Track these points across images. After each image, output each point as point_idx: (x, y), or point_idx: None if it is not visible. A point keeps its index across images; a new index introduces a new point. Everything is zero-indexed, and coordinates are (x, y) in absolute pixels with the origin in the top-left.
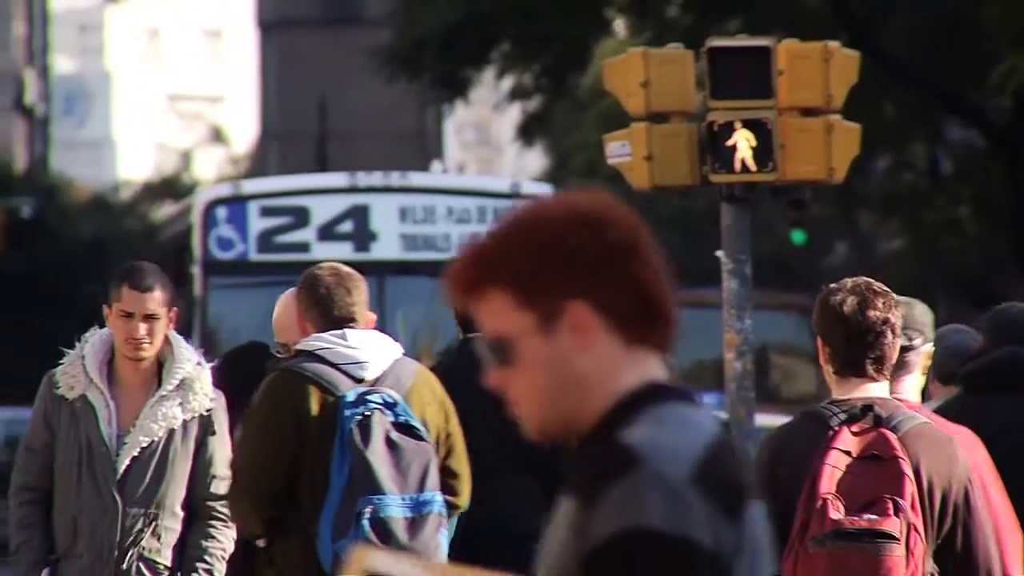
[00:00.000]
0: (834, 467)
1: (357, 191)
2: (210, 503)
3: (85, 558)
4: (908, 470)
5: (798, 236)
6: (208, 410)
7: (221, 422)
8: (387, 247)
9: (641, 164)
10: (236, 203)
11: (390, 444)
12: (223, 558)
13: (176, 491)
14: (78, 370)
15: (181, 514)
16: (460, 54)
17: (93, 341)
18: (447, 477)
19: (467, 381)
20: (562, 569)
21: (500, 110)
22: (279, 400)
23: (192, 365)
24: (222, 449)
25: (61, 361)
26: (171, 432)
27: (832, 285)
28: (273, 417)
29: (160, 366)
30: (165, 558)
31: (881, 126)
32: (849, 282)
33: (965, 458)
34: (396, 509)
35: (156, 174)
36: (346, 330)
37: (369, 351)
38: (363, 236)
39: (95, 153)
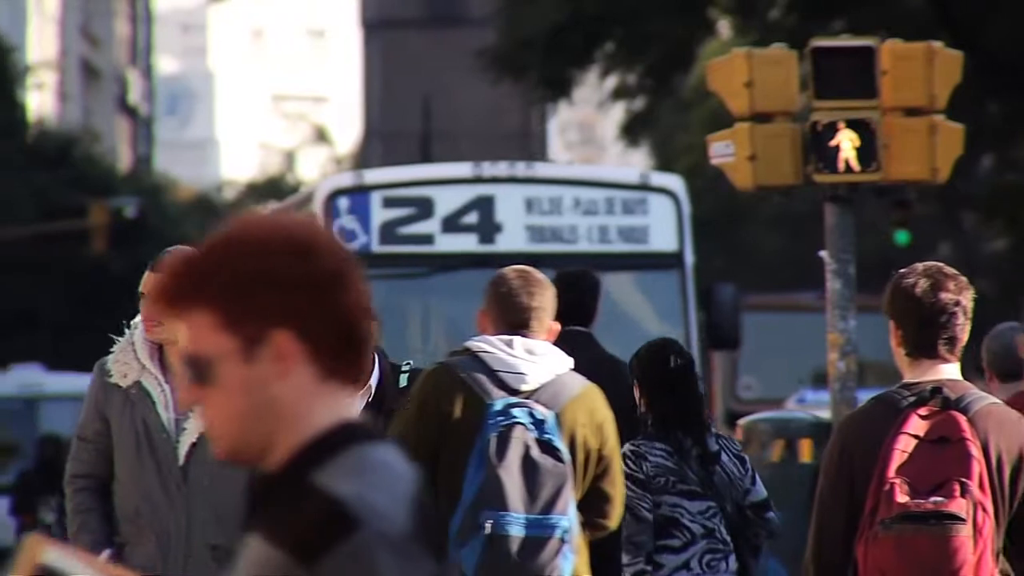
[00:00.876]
0: (903, 451)
1: (482, 181)
2: None
3: (151, 545)
4: (976, 451)
5: (902, 236)
6: None
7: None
8: (512, 239)
9: (744, 164)
10: (358, 193)
11: (526, 461)
12: None
13: (240, 474)
14: (129, 357)
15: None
16: (565, 54)
17: (142, 327)
18: (597, 499)
19: None
20: None
21: (603, 110)
22: (427, 395)
23: None
24: None
25: (111, 350)
26: None
27: (903, 269)
28: (419, 411)
29: None
30: (231, 542)
31: (984, 126)
32: (920, 266)
33: None
34: (516, 527)
35: (260, 174)
36: (516, 337)
37: (531, 362)
38: (488, 227)
39: (198, 153)
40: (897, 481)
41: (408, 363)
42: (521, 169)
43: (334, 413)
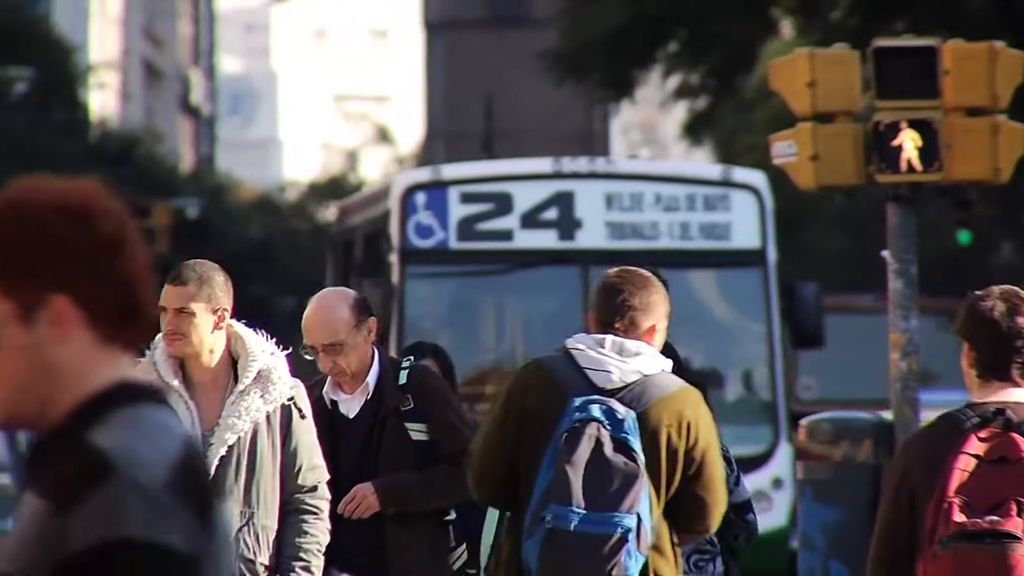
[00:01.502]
0: (963, 470)
1: (562, 177)
2: (299, 495)
3: None
4: None
5: (964, 236)
6: (289, 399)
7: (305, 410)
8: (592, 235)
9: (807, 164)
10: (436, 188)
11: (597, 457)
12: (319, 552)
13: (269, 486)
14: (151, 375)
15: (276, 511)
16: (627, 55)
17: (162, 346)
18: (688, 503)
19: None
20: (29, 572)
21: (666, 109)
22: (515, 389)
23: (267, 356)
24: (307, 438)
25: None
26: (256, 426)
27: (979, 292)
28: (505, 405)
29: (234, 362)
30: (264, 557)
31: None
32: (997, 289)
33: None
34: (576, 522)
35: (322, 174)
36: (609, 336)
37: (620, 361)
38: (568, 224)
39: (261, 153)
40: (955, 500)
41: (409, 359)
42: (601, 164)
43: (113, 375)
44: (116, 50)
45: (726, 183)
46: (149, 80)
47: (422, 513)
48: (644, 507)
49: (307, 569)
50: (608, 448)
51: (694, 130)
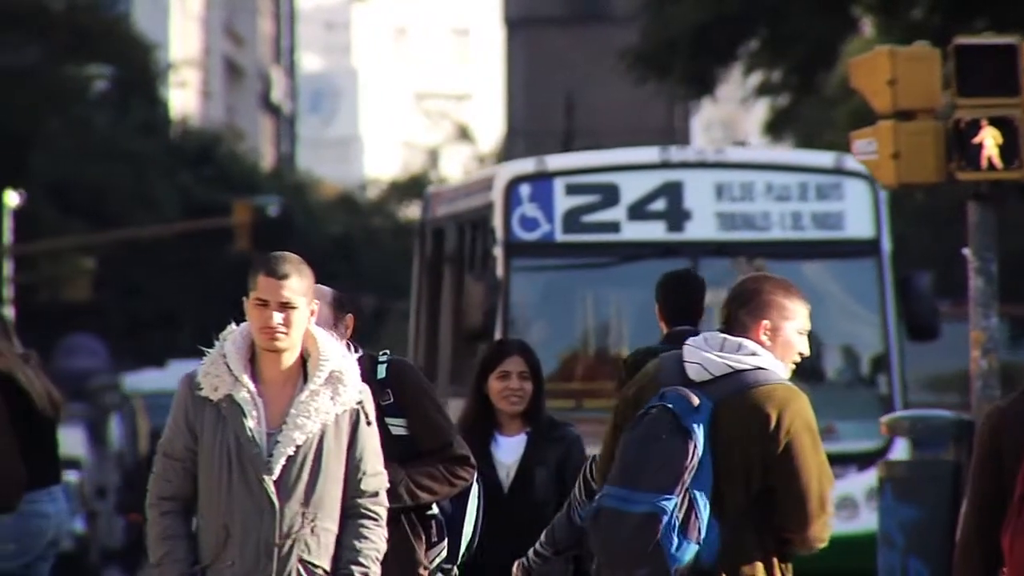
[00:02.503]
0: None
1: (670, 166)
2: (361, 500)
3: (237, 565)
4: None
5: None
6: (358, 403)
7: (370, 415)
8: (702, 226)
9: (887, 161)
10: (540, 180)
11: (650, 440)
12: (377, 559)
13: (333, 490)
14: (221, 369)
15: (338, 515)
16: (708, 53)
17: (233, 338)
18: (777, 503)
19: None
20: None
21: (747, 106)
22: (627, 384)
23: (339, 357)
24: (372, 443)
25: (185, 360)
26: (324, 428)
27: None
28: (622, 400)
29: (304, 361)
30: (324, 562)
31: None
32: None
33: None
34: (612, 501)
35: (403, 172)
36: (720, 333)
37: (716, 355)
38: (676, 215)
39: (342, 151)
40: None
41: (385, 353)
42: (710, 154)
43: None
44: (196, 48)
45: (839, 171)
46: (230, 78)
47: (397, 509)
48: (698, 494)
49: (365, 575)
50: (665, 433)
51: (775, 127)
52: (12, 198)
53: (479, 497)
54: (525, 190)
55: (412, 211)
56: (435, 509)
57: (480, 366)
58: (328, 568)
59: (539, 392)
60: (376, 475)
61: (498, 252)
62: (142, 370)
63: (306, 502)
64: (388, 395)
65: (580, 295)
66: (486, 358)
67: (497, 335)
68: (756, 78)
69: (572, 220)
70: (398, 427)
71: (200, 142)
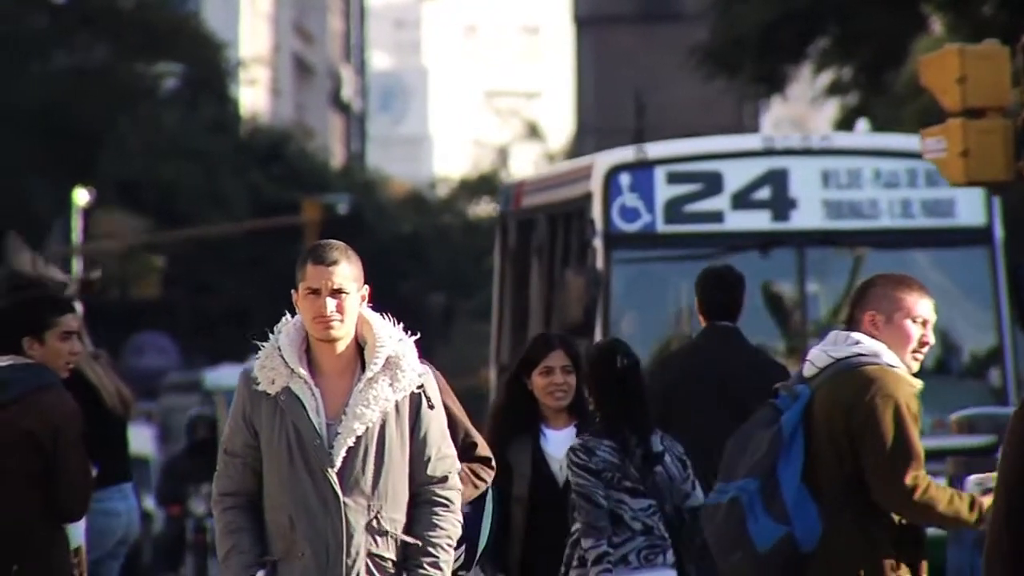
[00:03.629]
0: None
1: (774, 153)
2: (429, 487)
3: (307, 557)
4: None
5: None
6: (419, 387)
7: (434, 398)
8: (808, 215)
9: (956, 159)
10: (641, 169)
11: (750, 434)
12: (449, 546)
13: (398, 478)
14: (276, 362)
15: (405, 504)
16: (778, 51)
17: (286, 330)
18: (866, 483)
19: (703, 367)
20: None
21: (816, 105)
22: None
23: (395, 342)
24: (437, 427)
25: (256, 356)
26: (384, 415)
27: None
28: None
29: (360, 348)
30: (392, 552)
31: None
32: None
33: None
34: (711, 496)
35: (472, 170)
36: (842, 330)
37: (823, 350)
38: (781, 203)
39: (411, 149)
40: None
41: None
42: (816, 140)
43: None
44: (266, 46)
45: None
46: (299, 76)
47: None
48: (783, 474)
49: (435, 565)
50: (760, 428)
51: (845, 126)
52: (82, 196)
53: (493, 501)
54: (625, 179)
55: (482, 209)
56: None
57: (521, 361)
58: (396, 559)
59: (581, 383)
60: (444, 459)
61: (597, 244)
62: (220, 366)
63: (371, 493)
64: None
65: (682, 287)
66: (528, 353)
67: (597, 330)
68: (826, 77)
69: (674, 210)
70: None
71: (270, 140)
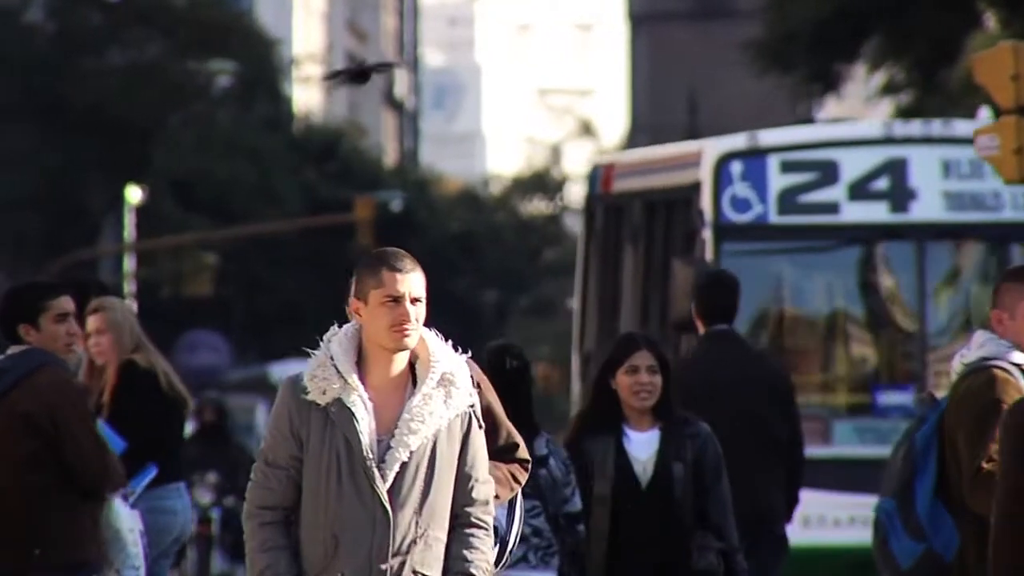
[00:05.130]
0: None
1: (893, 142)
2: (470, 509)
3: None
4: None
5: None
6: (470, 406)
7: (481, 420)
8: (928, 207)
9: (1010, 157)
10: (753, 157)
11: (896, 452)
12: (487, 570)
13: (444, 498)
14: (329, 372)
15: (447, 523)
16: (831, 48)
17: (338, 339)
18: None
19: (711, 371)
20: None
21: (871, 104)
22: None
23: (449, 359)
24: (483, 450)
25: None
26: (437, 433)
27: None
28: None
29: (411, 364)
30: (436, 572)
31: None
32: None
33: None
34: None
35: (526, 168)
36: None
37: (956, 356)
38: (900, 194)
39: (465, 147)
40: None
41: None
42: (937, 128)
43: None
44: (319, 43)
45: None
46: None
47: None
48: (918, 490)
49: None
50: (905, 437)
51: None
52: (135, 194)
53: (521, 506)
54: (736, 168)
55: (534, 207)
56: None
57: (606, 361)
58: None
59: (668, 386)
60: (486, 482)
61: (706, 235)
62: (284, 361)
63: (419, 511)
64: None
65: (796, 282)
66: (614, 352)
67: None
68: (880, 76)
69: (787, 200)
70: None
71: (323, 138)
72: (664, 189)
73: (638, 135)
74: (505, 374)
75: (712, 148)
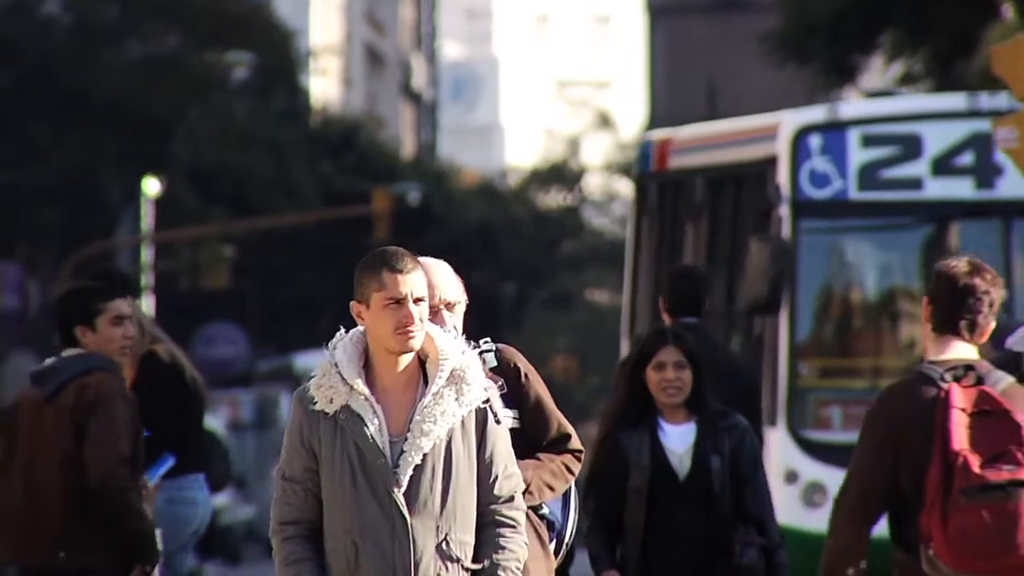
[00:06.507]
0: (959, 424)
1: (979, 115)
2: (495, 507)
3: None
4: (1022, 421)
5: None
6: (485, 401)
7: (500, 414)
8: (1015, 183)
9: None
10: (833, 130)
11: None
12: (518, 569)
13: (466, 498)
14: (334, 380)
15: (473, 524)
16: (848, 40)
17: (343, 345)
18: None
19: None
20: None
21: None
22: None
23: (459, 354)
24: (503, 444)
25: (312, 375)
26: (451, 432)
27: (952, 258)
28: None
29: (420, 362)
30: (461, 574)
31: None
32: (966, 257)
33: None
34: None
35: (544, 160)
36: None
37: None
38: (986, 170)
39: (483, 139)
40: (966, 453)
41: (487, 340)
42: None
43: None
44: (337, 35)
45: None
46: (370, 66)
47: None
48: None
49: None
50: None
51: None
52: (152, 186)
53: (575, 497)
54: (815, 141)
55: (552, 199)
56: (546, 509)
57: (637, 356)
58: None
59: (699, 379)
60: (510, 477)
61: (783, 212)
62: (309, 351)
63: (439, 514)
64: (502, 384)
65: (877, 260)
66: (643, 347)
67: (784, 306)
68: (897, 67)
69: (868, 176)
70: (511, 419)
71: (340, 130)
72: (732, 165)
73: (657, 127)
74: None
75: (790, 121)
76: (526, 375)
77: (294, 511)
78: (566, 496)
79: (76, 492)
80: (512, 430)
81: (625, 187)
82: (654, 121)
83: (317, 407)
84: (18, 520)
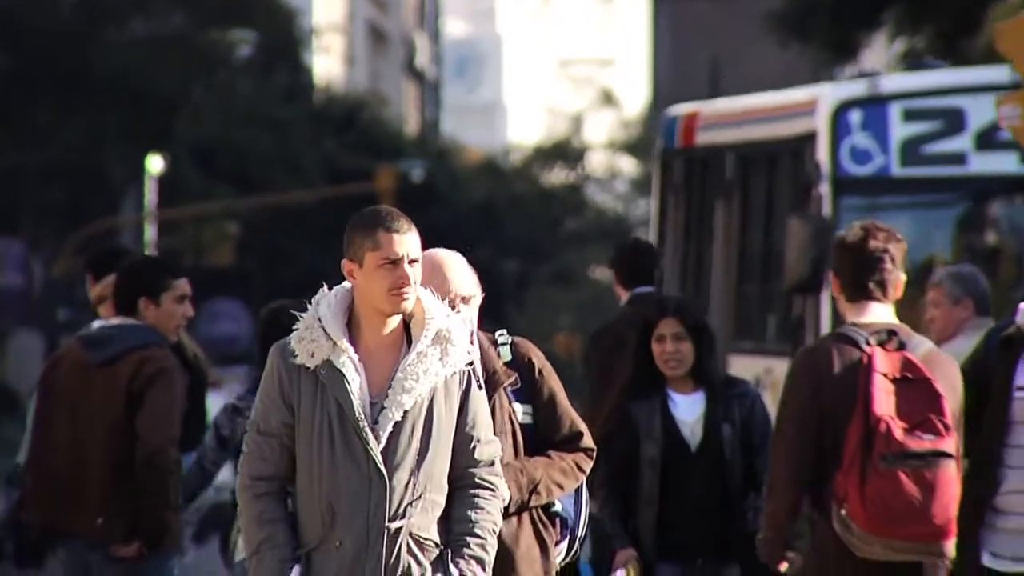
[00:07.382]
0: (880, 389)
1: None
2: (475, 470)
3: (346, 545)
4: (942, 389)
5: None
6: (468, 364)
7: (481, 379)
8: None
9: None
10: (874, 105)
11: None
12: (493, 532)
13: (443, 459)
14: (317, 334)
15: (446, 486)
16: (851, 17)
17: (327, 301)
18: None
19: (619, 337)
20: None
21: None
22: None
23: (444, 316)
24: (484, 409)
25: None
26: (433, 391)
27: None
28: None
29: (405, 323)
30: (434, 535)
31: None
32: (857, 223)
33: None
34: None
35: (547, 138)
36: None
37: None
38: None
39: (486, 117)
40: (888, 418)
41: (502, 333)
42: None
43: None
44: (340, 13)
45: None
46: (373, 43)
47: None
48: None
49: (483, 547)
50: None
51: None
52: (156, 164)
53: (587, 495)
54: (856, 116)
55: (555, 176)
56: (559, 506)
57: (642, 327)
58: (438, 541)
59: (702, 349)
60: (491, 442)
61: (823, 189)
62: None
63: (416, 472)
64: (516, 379)
65: (921, 238)
66: (646, 319)
67: (825, 285)
68: (900, 44)
69: (911, 151)
70: (525, 414)
71: (344, 108)
72: (766, 141)
73: (660, 105)
74: (277, 337)
75: (829, 95)
76: (541, 371)
77: (269, 466)
78: (578, 493)
79: (120, 461)
80: (525, 426)
81: (628, 164)
82: (657, 99)
83: (297, 360)
84: (61, 485)
